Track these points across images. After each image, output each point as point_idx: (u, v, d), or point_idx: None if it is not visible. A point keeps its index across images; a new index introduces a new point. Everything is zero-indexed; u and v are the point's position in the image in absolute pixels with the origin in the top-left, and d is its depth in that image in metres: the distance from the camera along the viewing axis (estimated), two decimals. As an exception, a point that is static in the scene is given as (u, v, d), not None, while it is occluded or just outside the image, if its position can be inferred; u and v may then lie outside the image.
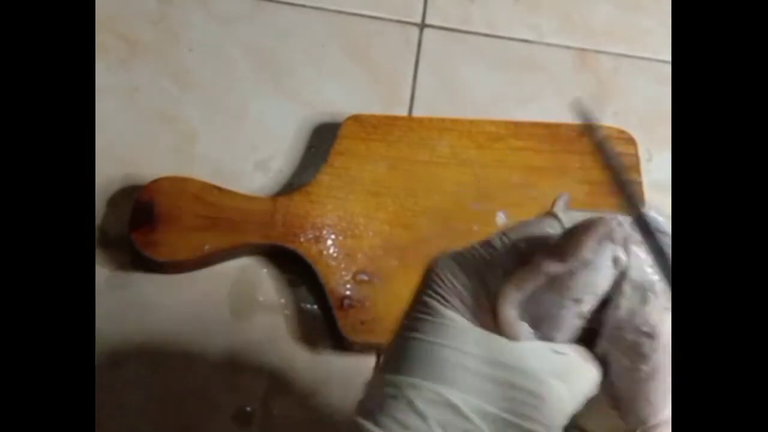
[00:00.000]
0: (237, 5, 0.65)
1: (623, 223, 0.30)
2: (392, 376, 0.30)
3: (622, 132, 0.59)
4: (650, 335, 0.30)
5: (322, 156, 0.58)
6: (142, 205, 0.54)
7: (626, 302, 0.30)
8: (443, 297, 0.30)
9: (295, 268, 0.55)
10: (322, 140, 0.60)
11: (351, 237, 0.55)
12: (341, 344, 0.52)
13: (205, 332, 0.53)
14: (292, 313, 0.54)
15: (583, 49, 0.66)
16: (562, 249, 0.29)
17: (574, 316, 0.30)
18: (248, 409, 0.51)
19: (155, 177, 0.55)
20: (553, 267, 0.29)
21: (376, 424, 0.28)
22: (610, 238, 0.29)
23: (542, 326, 0.30)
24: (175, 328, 0.53)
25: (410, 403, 0.28)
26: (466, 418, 0.28)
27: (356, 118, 0.58)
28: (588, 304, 0.30)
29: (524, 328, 0.30)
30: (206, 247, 0.53)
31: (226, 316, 0.54)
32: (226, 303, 0.54)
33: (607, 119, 0.63)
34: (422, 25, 0.66)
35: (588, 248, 0.29)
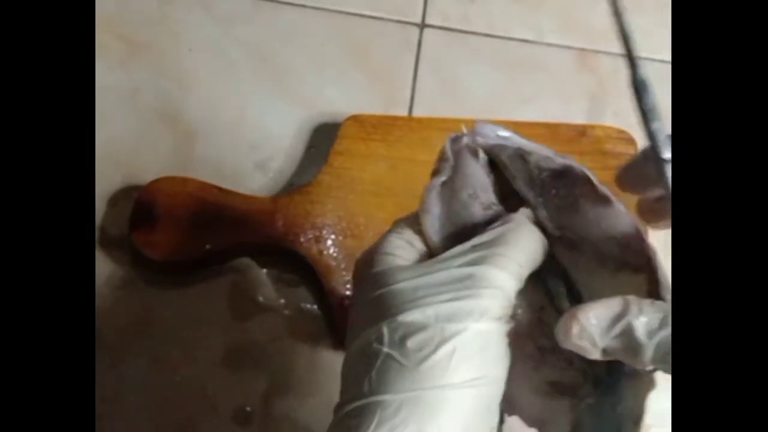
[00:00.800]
0: (237, 5, 0.65)
1: (467, 132, 0.37)
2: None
3: (622, 132, 0.59)
4: (561, 173, 0.35)
5: (322, 156, 0.58)
6: (142, 205, 0.54)
7: (518, 169, 0.36)
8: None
9: (295, 268, 0.55)
10: (322, 140, 0.60)
11: (351, 237, 0.55)
12: (341, 344, 0.52)
13: (205, 332, 0.53)
14: (292, 313, 0.54)
15: (583, 49, 0.66)
16: (436, 166, 0.37)
17: (481, 208, 0.36)
18: (248, 409, 0.51)
19: (155, 177, 0.55)
20: (436, 180, 0.36)
21: None
22: (458, 141, 0.37)
23: (466, 232, 0.35)
24: (175, 328, 0.53)
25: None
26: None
27: (356, 118, 0.58)
28: (484, 193, 0.36)
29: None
30: (206, 247, 0.53)
31: (226, 316, 0.54)
32: (226, 303, 0.54)
33: (607, 119, 0.63)
34: (422, 25, 0.66)
35: (447, 154, 0.37)
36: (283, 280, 0.55)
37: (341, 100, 0.62)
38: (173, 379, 0.52)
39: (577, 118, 0.62)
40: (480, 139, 0.37)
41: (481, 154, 0.37)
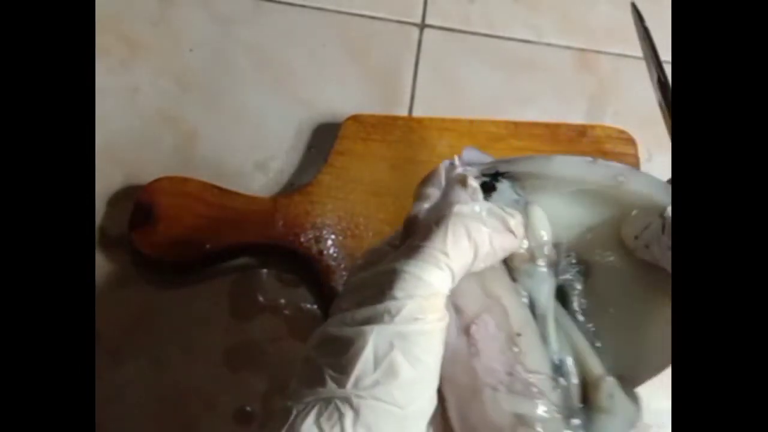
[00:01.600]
0: (237, 5, 0.65)
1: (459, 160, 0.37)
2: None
3: (622, 132, 0.59)
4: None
5: (322, 156, 0.58)
6: (142, 205, 0.54)
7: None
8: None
9: (295, 268, 0.55)
10: (322, 140, 0.60)
11: (351, 237, 0.55)
12: (341, 344, 0.52)
13: (205, 332, 0.53)
14: (292, 313, 0.54)
15: (583, 49, 0.66)
16: (420, 190, 0.36)
17: None
18: (248, 409, 0.51)
19: (155, 177, 0.55)
20: (418, 205, 0.36)
21: None
22: (452, 168, 0.36)
23: None
24: (175, 328, 0.53)
25: None
26: None
27: (356, 118, 0.58)
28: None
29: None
30: (206, 247, 0.53)
31: (226, 316, 0.54)
32: (226, 303, 0.54)
33: (607, 119, 0.63)
34: (422, 25, 0.66)
35: (440, 179, 0.36)
36: (283, 280, 0.55)
37: (341, 100, 0.62)
38: (173, 379, 0.52)
39: (577, 118, 0.62)
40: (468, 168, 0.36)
41: (472, 182, 0.35)
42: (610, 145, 0.59)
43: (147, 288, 0.54)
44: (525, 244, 0.35)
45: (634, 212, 0.36)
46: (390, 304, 0.30)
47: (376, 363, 0.30)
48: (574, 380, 0.34)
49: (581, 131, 0.59)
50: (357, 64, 0.64)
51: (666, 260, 0.34)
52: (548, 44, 0.66)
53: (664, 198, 0.34)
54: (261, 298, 0.55)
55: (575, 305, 0.36)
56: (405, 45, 0.65)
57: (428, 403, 0.31)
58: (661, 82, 0.36)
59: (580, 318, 0.36)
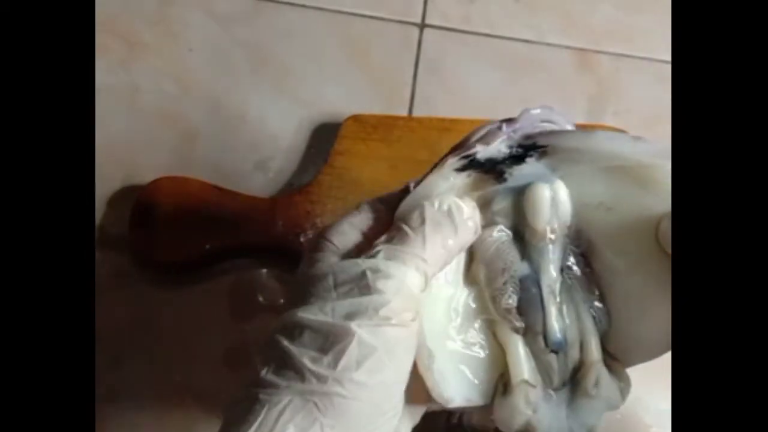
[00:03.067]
0: (237, 5, 0.65)
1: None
2: None
3: (622, 132, 0.59)
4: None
5: (322, 156, 0.58)
6: (142, 205, 0.54)
7: None
8: None
9: (295, 268, 0.55)
10: (322, 140, 0.60)
11: (351, 237, 0.55)
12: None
13: (205, 332, 0.53)
14: (292, 313, 0.54)
15: (583, 49, 0.66)
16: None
17: None
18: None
19: (155, 177, 0.55)
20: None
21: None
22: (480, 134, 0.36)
23: None
24: (175, 328, 0.53)
25: None
26: None
27: (356, 118, 0.58)
28: None
29: None
30: (206, 247, 0.53)
31: (226, 316, 0.54)
32: (226, 303, 0.54)
33: (607, 119, 0.63)
34: (422, 25, 0.66)
35: None
36: (283, 280, 0.55)
37: (341, 100, 0.62)
38: (173, 379, 0.52)
39: (577, 118, 0.62)
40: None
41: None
42: (610, 145, 0.59)
43: (147, 288, 0.54)
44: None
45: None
46: (375, 301, 0.30)
47: (360, 362, 0.30)
48: (573, 356, 0.36)
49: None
50: (357, 64, 0.64)
51: None
52: (548, 44, 0.66)
53: None
54: (261, 298, 0.55)
55: (580, 285, 0.37)
56: (405, 45, 0.65)
57: (401, 402, 0.32)
58: None
59: (582, 295, 0.36)
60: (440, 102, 0.63)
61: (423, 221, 0.33)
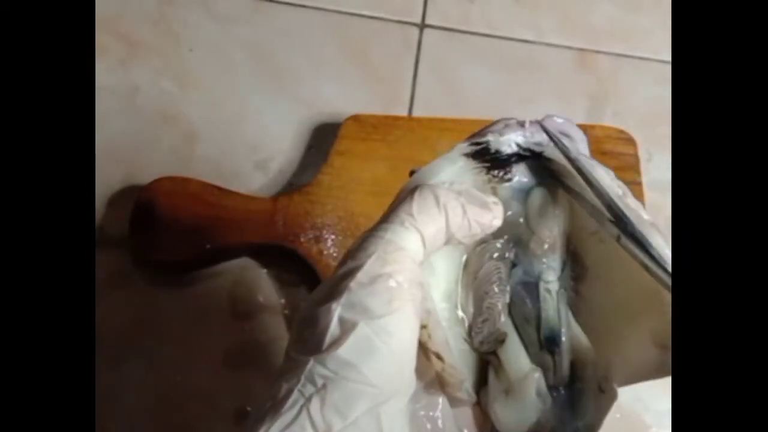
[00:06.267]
0: (237, 5, 0.65)
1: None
2: None
3: (622, 132, 0.59)
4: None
5: (322, 156, 0.58)
6: (142, 205, 0.54)
7: None
8: None
9: (295, 268, 0.55)
10: (322, 140, 0.60)
11: (351, 237, 0.55)
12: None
13: (205, 332, 0.53)
14: (292, 313, 0.54)
15: (583, 49, 0.66)
16: None
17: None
18: (248, 409, 0.51)
19: (155, 177, 0.55)
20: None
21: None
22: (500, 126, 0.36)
23: None
24: (175, 328, 0.53)
25: None
26: None
27: (356, 118, 0.58)
28: None
29: None
30: (206, 247, 0.53)
31: (226, 316, 0.54)
32: (226, 303, 0.54)
33: (607, 119, 0.63)
34: (422, 25, 0.66)
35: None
36: (283, 280, 0.55)
37: (341, 100, 0.62)
38: (173, 379, 0.52)
39: (577, 118, 0.62)
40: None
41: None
42: (610, 145, 0.59)
43: (147, 288, 0.54)
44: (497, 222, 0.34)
45: None
46: (349, 266, 0.28)
47: (342, 337, 0.27)
48: (569, 357, 0.35)
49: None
50: (357, 64, 0.64)
51: None
52: (548, 44, 0.66)
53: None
54: (261, 298, 0.55)
55: (570, 302, 0.37)
56: (405, 45, 0.65)
57: (405, 383, 0.29)
58: (617, 217, 0.32)
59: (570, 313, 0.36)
60: (440, 102, 0.63)
61: (417, 192, 0.31)
